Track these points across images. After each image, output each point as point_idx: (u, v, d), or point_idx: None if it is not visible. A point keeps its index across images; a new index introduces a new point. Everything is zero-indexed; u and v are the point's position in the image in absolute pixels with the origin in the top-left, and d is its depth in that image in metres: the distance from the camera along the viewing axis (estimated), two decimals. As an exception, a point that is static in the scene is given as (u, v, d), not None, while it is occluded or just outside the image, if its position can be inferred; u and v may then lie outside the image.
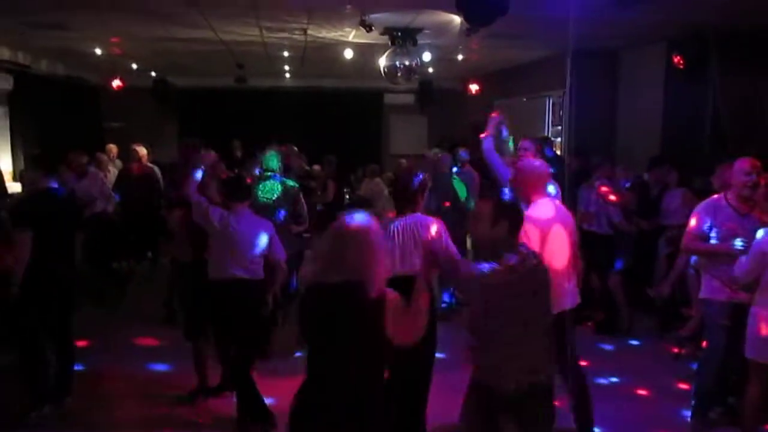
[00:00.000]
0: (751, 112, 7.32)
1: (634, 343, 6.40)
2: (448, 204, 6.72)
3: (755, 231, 4.21)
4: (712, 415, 4.54)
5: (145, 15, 7.32)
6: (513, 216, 2.96)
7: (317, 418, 2.56)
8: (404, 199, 3.94)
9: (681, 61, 7.78)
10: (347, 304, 2.53)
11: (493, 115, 5.33)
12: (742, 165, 4.28)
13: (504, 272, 2.82)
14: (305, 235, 6.68)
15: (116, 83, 12.13)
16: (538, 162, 4.26)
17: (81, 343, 5.93)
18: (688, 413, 4.58)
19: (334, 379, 2.55)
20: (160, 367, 5.65)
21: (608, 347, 6.18)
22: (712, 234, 4.32)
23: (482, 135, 5.19)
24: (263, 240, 4.53)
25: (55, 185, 4.77)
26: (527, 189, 4.09)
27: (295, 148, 7.56)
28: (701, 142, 7.92)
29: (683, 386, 5.18)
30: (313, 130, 14.14)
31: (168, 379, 5.37)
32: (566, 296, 3.96)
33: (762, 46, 7.18)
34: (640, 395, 5.15)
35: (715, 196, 4.51)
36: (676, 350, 5.91)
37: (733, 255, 4.17)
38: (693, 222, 4.42)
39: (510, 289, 2.84)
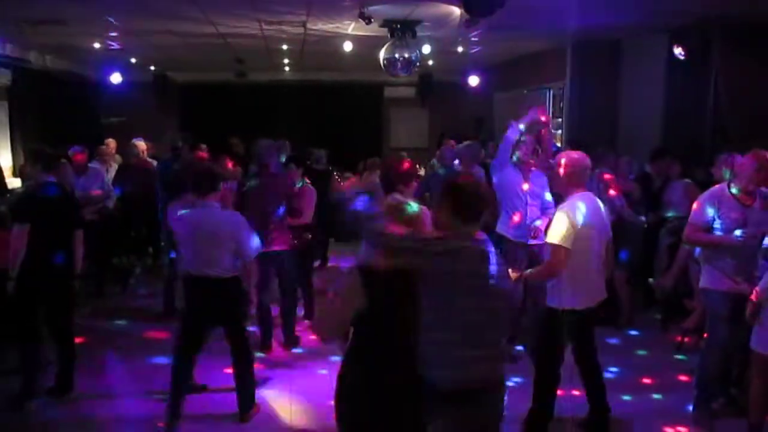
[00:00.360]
0: (752, 103, 7.28)
1: (637, 335, 6.39)
2: None
3: (758, 222, 4.20)
4: (715, 405, 4.54)
5: (144, 9, 7.29)
6: (457, 199, 2.73)
7: (376, 388, 2.72)
8: (385, 186, 4.04)
9: (683, 52, 7.74)
10: (414, 281, 2.69)
11: (539, 113, 5.26)
12: (753, 160, 4.24)
13: (431, 240, 2.69)
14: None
15: (115, 78, 12.09)
16: (577, 154, 4.11)
17: (83, 339, 5.95)
18: (690, 405, 4.58)
19: (396, 349, 2.73)
20: (162, 361, 5.64)
21: (610, 340, 6.16)
22: (716, 225, 4.30)
23: (513, 121, 5.20)
24: (229, 238, 4.31)
25: (54, 180, 4.76)
26: (566, 182, 4.04)
27: (287, 143, 7.54)
28: (702, 133, 7.89)
29: (686, 378, 5.17)
30: (313, 123, 14.14)
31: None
32: (581, 294, 3.95)
33: (764, 37, 7.14)
34: (643, 387, 5.14)
35: (717, 186, 4.49)
36: (679, 339, 5.89)
37: (736, 246, 4.16)
38: (695, 213, 4.40)
39: (435, 260, 2.63)
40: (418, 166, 8.99)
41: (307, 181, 6.54)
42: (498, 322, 2.70)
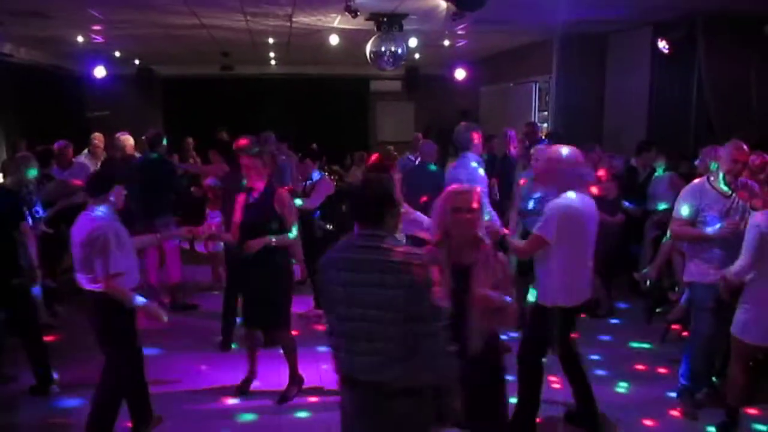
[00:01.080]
0: (736, 96, 7.35)
1: (621, 326, 6.43)
2: (425, 199, 5.83)
3: (740, 212, 4.24)
4: (699, 396, 4.59)
5: (128, 2, 7.22)
6: (352, 200, 2.72)
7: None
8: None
9: (667, 46, 7.79)
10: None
11: None
12: (731, 151, 4.30)
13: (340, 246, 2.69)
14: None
15: (99, 72, 11.97)
16: (569, 150, 4.00)
17: (65, 334, 5.92)
18: (673, 394, 4.63)
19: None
20: (151, 352, 5.66)
21: (594, 331, 6.20)
22: (700, 218, 4.33)
23: None
24: (87, 249, 3.81)
25: None
26: (557, 177, 3.97)
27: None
28: (687, 126, 7.96)
29: (668, 369, 5.23)
30: (299, 117, 14.10)
31: (157, 364, 5.36)
32: (572, 292, 3.97)
33: (747, 30, 7.21)
34: (627, 377, 5.18)
35: (698, 180, 4.55)
36: (665, 327, 5.93)
37: (725, 237, 4.21)
38: (679, 208, 4.44)
39: (339, 263, 2.63)
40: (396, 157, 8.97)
41: (326, 173, 6.53)
42: (386, 330, 2.52)
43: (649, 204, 6.85)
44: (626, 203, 6.75)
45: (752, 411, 4.44)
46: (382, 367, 2.55)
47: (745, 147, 4.30)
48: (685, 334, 5.45)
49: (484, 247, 3.11)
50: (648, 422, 4.44)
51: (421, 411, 2.63)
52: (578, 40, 9.49)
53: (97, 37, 9.57)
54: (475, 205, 3.09)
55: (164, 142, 7.01)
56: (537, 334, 4.07)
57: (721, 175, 4.35)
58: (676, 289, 6.00)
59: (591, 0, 7.03)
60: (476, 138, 5.48)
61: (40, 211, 5.98)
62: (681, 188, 4.72)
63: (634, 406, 4.68)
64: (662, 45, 7.83)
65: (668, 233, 4.64)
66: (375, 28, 7.96)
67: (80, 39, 9.78)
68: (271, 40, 10.48)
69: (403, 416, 2.60)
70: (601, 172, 6.39)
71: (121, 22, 8.56)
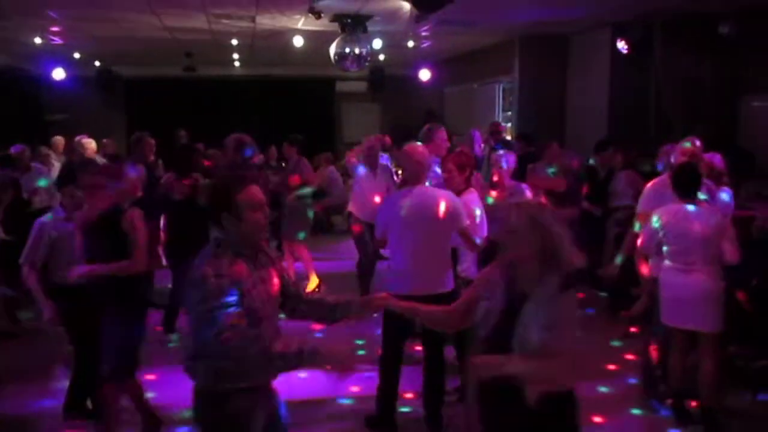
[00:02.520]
0: (693, 94, 7.53)
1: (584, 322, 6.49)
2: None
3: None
4: (662, 389, 4.68)
5: (86, 2, 7.10)
6: None
7: None
8: None
9: (625, 45, 7.94)
10: None
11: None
12: (683, 147, 4.45)
13: None
14: None
15: (58, 74, 11.70)
16: (420, 149, 4.25)
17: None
18: (634, 381, 4.71)
19: None
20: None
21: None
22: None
23: None
24: None
25: None
26: (408, 173, 4.27)
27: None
28: (647, 124, 8.12)
29: (629, 364, 5.30)
30: (264, 118, 14.00)
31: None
32: (401, 281, 4.01)
33: (703, 30, 7.39)
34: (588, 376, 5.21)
35: (658, 178, 4.65)
36: (628, 329, 6.01)
37: None
38: (644, 204, 4.55)
39: None
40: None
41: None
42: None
43: (609, 202, 6.95)
44: (586, 204, 6.87)
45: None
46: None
47: (697, 142, 4.43)
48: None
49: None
50: (601, 418, 4.44)
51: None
52: (540, 41, 9.62)
53: (55, 38, 9.38)
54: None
55: None
56: (394, 324, 4.09)
57: None
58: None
59: (551, 0, 7.14)
60: (439, 139, 5.50)
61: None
62: (638, 184, 4.81)
63: (596, 402, 4.72)
64: (621, 45, 7.97)
65: (636, 226, 4.69)
66: (339, 30, 7.96)
67: (38, 40, 9.57)
68: (234, 42, 10.40)
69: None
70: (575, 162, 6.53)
71: (80, 22, 8.41)
